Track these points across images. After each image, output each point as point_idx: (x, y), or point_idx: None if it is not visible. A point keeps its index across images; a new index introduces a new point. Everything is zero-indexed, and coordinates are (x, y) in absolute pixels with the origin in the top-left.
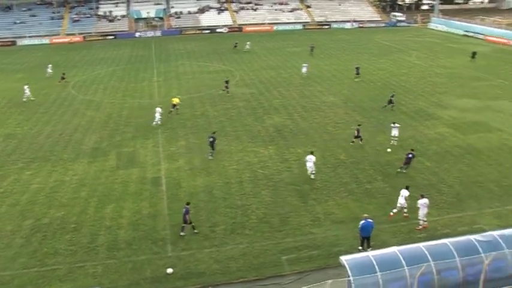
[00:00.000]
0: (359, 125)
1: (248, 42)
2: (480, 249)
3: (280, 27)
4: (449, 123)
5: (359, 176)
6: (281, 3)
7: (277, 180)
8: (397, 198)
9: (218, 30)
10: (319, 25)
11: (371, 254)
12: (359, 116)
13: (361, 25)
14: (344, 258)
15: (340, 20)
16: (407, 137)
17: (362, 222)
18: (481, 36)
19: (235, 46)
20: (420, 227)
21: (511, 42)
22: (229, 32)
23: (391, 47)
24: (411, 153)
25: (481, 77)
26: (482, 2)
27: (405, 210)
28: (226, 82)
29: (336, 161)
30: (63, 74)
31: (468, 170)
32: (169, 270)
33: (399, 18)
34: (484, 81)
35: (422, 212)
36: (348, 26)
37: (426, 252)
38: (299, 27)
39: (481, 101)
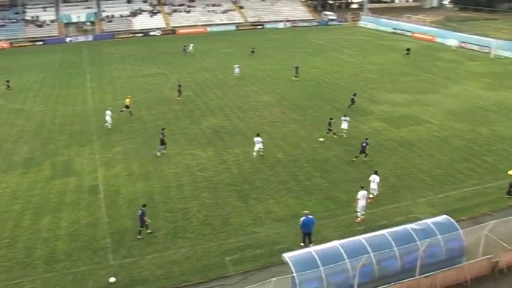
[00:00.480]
0: (331, 119)
1: (191, 44)
2: (416, 237)
3: (214, 29)
4: (382, 117)
5: (297, 174)
6: (214, 5)
7: (217, 181)
8: (335, 193)
9: (151, 33)
10: (252, 25)
11: (313, 249)
12: (295, 114)
13: (294, 25)
14: (287, 255)
15: (273, 20)
16: (342, 131)
17: (303, 218)
18: (408, 34)
19: (184, 49)
20: (359, 219)
21: (436, 38)
22: (162, 34)
23: (324, 46)
24: (365, 142)
25: (409, 72)
26: (407, 1)
27: (375, 193)
28: (179, 86)
29: (274, 159)
30: (7, 81)
31: (402, 162)
32: (112, 280)
33: (330, 17)
34: (412, 76)
35: (361, 204)
36: (281, 25)
37: (366, 244)
38: (232, 28)
39: (410, 95)
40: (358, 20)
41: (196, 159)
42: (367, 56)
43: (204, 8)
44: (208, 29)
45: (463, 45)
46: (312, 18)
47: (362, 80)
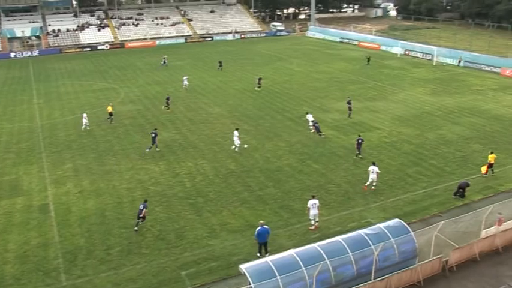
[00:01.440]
0: (316, 123)
1: (165, 56)
2: (370, 242)
3: (163, 42)
4: (332, 125)
5: (251, 184)
6: (162, 18)
7: (170, 195)
8: (289, 202)
9: (99, 47)
10: (201, 38)
11: (269, 259)
12: (246, 125)
13: (242, 36)
14: (243, 267)
15: (222, 31)
16: (295, 141)
17: (258, 229)
18: (355, 43)
19: (164, 62)
20: (313, 227)
21: (381, 47)
22: (110, 48)
23: (273, 56)
24: (360, 139)
25: (357, 80)
26: (353, 11)
27: (374, 184)
28: (167, 99)
29: (227, 171)
30: None
31: (353, 168)
32: None
33: (279, 28)
34: (360, 84)
35: (312, 213)
36: (230, 37)
37: (321, 251)
38: (182, 40)
39: (359, 102)
40: (306, 30)
41: (149, 174)
42: (316, 65)
43: (153, 21)
44: (158, 42)
45: (407, 53)
46: (260, 29)
47: (311, 89)
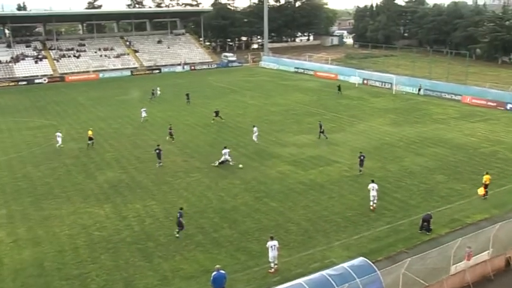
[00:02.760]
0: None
1: (158, 87)
2: (334, 284)
3: (107, 75)
4: (289, 160)
5: (204, 226)
6: (106, 49)
7: (117, 241)
8: (246, 244)
9: (37, 81)
10: (148, 70)
11: None
12: (198, 162)
13: (192, 67)
14: None
15: (171, 63)
16: (250, 178)
17: (214, 274)
18: (310, 72)
19: (153, 93)
20: (272, 270)
21: (338, 76)
22: (49, 82)
23: (225, 88)
24: (362, 155)
25: (315, 112)
26: (308, 40)
27: (375, 201)
28: (170, 129)
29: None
30: None
31: (313, 205)
32: None
33: (230, 59)
34: (318, 116)
35: (272, 255)
36: (179, 69)
37: None
38: (127, 73)
39: (317, 135)
40: (259, 61)
41: (93, 218)
42: (270, 97)
43: (96, 52)
44: (101, 75)
45: (365, 82)
46: (211, 60)
47: (266, 123)
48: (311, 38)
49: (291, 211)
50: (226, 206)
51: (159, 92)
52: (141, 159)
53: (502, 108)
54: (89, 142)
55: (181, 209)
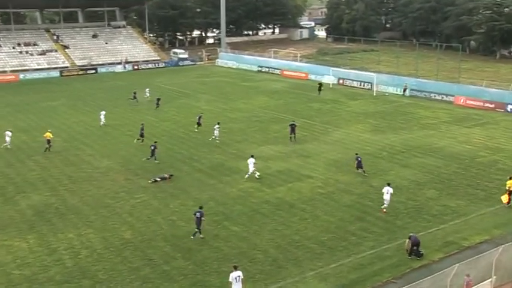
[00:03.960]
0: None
1: (147, 89)
2: None
3: (29, 76)
4: (253, 176)
5: (153, 257)
6: (28, 44)
7: (44, 280)
8: (203, 277)
9: None
10: (82, 70)
11: None
12: (143, 180)
13: (135, 67)
14: None
15: (109, 62)
16: (207, 198)
17: None
18: (277, 72)
19: (134, 97)
20: None
21: (309, 76)
22: None
23: (175, 92)
24: (358, 157)
25: (282, 119)
26: (273, 33)
27: (386, 205)
28: (142, 129)
29: (121, 242)
30: None
31: (282, 229)
32: None
33: (181, 56)
34: (286, 123)
35: None
36: (119, 68)
37: None
38: (55, 74)
39: (285, 145)
40: (216, 58)
41: (13, 253)
42: (230, 101)
43: (14, 48)
44: (22, 75)
45: (341, 81)
46: (158, 58)
47: (225, 132)
48: (277, 30)
49: (256, 236)
50: (179, 232)
51: (148, 94)
52: (75, 179)
53: (502, 110)
54: (47, 146)
55: (201, 208)
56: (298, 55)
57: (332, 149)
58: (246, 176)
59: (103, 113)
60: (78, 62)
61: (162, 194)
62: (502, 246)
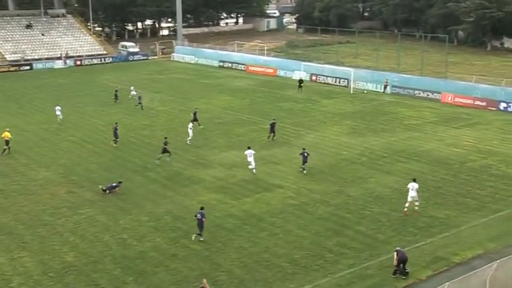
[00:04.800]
0: None
1: (132, 87)
2: None
3: None
4: (215, 186)
5: (100, 282)
6: None
7: None
8: None
9: None
10: (14, 66)
11: None
12: (89, 193)
13: (78, 62)
14: None
15: (47, 56)
16: (163, 213)
17: None
18: (241, 67)
19: (116, 95)
20: None
21: (278, 71)
22: None
23: (124, 90)
24: (305, 152)
25: (247, 120)
26: (236, 23)
27: (417, 203)
28: (116, 129)
29: (62, 265)
30: None
31: (249, 246)
32: None
33: (131, 50)
34: (251, 125)
35: None
36: (59, 64)
37: None
38: None
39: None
40: (171, 52)
41: None
42: (188, 101)
43: None
44: None
45: (314, 78)
46: (104, 52)
47: (184, 136)
48: (240, 20)
49: (220, 255)
50: (130, 252)
51: (134, 93)
52: (7, 193)
53: (494, 109)
54: (6, 147)
55: (202, 208)
56: (265, 48)
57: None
58: (250, 166)
59: (58, 108)
60: (9, 57)
61: (111, 208)
62: (497, 261)
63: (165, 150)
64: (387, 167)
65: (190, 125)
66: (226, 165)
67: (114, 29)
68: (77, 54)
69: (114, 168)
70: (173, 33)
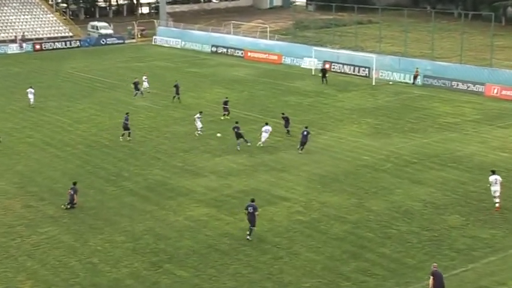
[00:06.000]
0: None
1: (144, 77)
2: None
3: None
4: (206, 198)
5: None
6: None
7: None
8: None
9: None
10: None
11: None
12: (52, 208)
13: (38, 46)
14: None
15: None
16: (142, 231)
17: None
18: (239, 53)
19: (137, 88)
20: None
21: (283, 58)
22: None
23: (95, 81)
24: (306, 131)
25: (244, 118)
26: None
27: (497, 200)
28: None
29: None
30: None
31: (248, 272)
32: None
33: (104, 32)
34: (253, 124)
35: None
36: (13, 49)
37: None
38: None
39: (250, 156)
40: (153, 35)
41: None
42: (173, 95)
43: None
44: None
45: (327, 66)
46: (70, 34)
47: (167, 138)
48: None
49: (213, 283)
50: (102, 280)
51: (146, 84)
52: None
53: None
54: None
55: (252, 200)
56: (268, 30)
57: (317, 159)
58: (259, 143)
59: (31, 90)
60: None
61: (78, 226)
62: None
63: (239, 136)
64: (417, 175)
65: (198, 115)
66: (219, 173)
67: (82, 5)
68: (36, 36)
69: (82, 177)
70: (155, 11)
